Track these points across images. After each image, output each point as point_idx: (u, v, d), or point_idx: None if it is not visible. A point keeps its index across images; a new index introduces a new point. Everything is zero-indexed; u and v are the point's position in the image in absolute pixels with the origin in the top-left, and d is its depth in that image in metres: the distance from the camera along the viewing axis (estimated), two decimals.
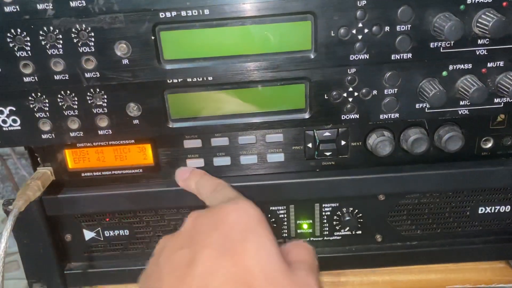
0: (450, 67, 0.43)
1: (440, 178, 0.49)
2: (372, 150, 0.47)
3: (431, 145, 0.48)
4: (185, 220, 0.36)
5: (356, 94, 0.44)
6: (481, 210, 0.52)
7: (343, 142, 0.48)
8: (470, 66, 0.43)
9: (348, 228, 0.52)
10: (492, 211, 0.52)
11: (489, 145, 0.48)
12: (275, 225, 0.52)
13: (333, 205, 0.52)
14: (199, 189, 0.44)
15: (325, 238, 0.53)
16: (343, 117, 0.45)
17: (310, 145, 0.48)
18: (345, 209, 0.52)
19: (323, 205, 0.52)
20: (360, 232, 0.53)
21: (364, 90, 0.44)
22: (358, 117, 0.45)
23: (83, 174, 0.49)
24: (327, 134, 0.48)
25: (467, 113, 0.45)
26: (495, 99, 0.44)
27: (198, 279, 0.30)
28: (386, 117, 0.45)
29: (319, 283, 0.34)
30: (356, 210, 0.52)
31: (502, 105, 0.45)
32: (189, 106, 0.45)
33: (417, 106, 0.45)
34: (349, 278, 0.53)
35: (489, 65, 0.43)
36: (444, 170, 0.49)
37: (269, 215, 0.52)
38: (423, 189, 0.49)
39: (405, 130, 0.47)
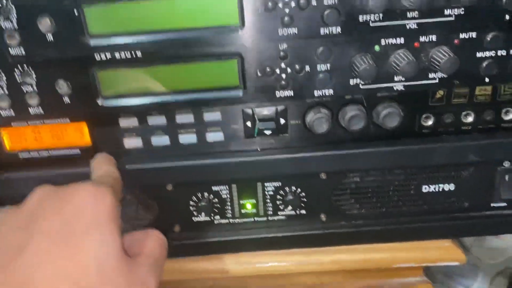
0: (382, 42, 0.42)
1: (381, 156, 0.48)
2: (310, 128, 0.47)
3: (371, 123, 0.48)
4: (30, 194, 0.33)
5: (289, 70, 0.44)
6: (425, 188, 0.51)
7: (282, 121, 0.48)
8: (402, 40, 0.42)
9: (291, 207, 0.52)
10: (436, 189, 0.52)
11: (430, 122, 0.48)
12: (218, 205, 0.52)
13: (275, 184, 0.51)
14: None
15: (270, 218, 0.53)
16: (278, 94, 0.45)
17: (249, 123, 0.48)
18: (287, 188, 0.51)
19: (266, 185, 0.51)
20: (304, 211, 0.52)
21: (296, 66, 0.43)
22: (292, 94, 0.45)
23: (20, 156, 0.49)
24: (265, 112, 0.47)
25: (402, 89, 0.45)
26: (430, 74, 0.44)
27: (23, 268, 0.27)
28: (321, 93, 0.45)
29: (160, 276, 0.33)
30: (299, 189, 0.51)
31: (437, 81, 0.44)
32: (121, 84, 0.44)
33: (351, 82, 0.44)
34: (295, 258, 0.53)
35: (421, 39, 0.42)
36: (384, 148, 0.48)
37: (212, 195, 0.51)
38: (364, 167, 0.49)
39: (343, 108, 0.47)
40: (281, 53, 0.43)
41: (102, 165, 0.42)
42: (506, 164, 0.50)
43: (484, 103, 0.47)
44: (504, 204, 0.52)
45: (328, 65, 0.43)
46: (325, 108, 0.47)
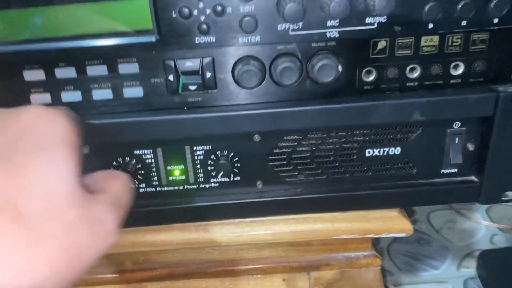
0: None
1: (318, 115, 0.44)
2: (238, 82, 0.42)
3: (307, 78, 0.43)
4: None
5: (208, 11, 0.39)
6: (369, 152, 0.47)
7: (208, 74, 0.43)
8: None
9: (223, 173, 0.47)
10: (381, 153, 0.47)
11: (372, 77, 0.43)
12: (142, 171, 0.47)
13: (205, 147, 0.47)
14: None
15: (201, 185, 0.48)
16: (197, 40, 0.40)
17: (171, 77, 0.42)
18: (219, 152, 0.47)
19: (195, 148, 0.46)
20: (238, 178, 0.48)
21: (217, 7, 0.38)
22: (214, 40, 0.40)
23: None
24: (189, 64, 0.42)
25: (337, 35, 0.40)
26: (368, 19, 0.39)
27: None
28: (246, 40, 0.40)
29: (121, 221, 0.29)
30: (232, 153, 0.47)
31: (375, 26, 0.40)
32: (16, 26, 0.39)
33: (279, 27, 0.39)
34: (229, 229, 0.49)
35: None
36: (322, 106, 0.44)
37: (134, 160, 0.46)
38: (300, 128, 0.45)
39: (275, 60, 0.42)
40: None
41: None
42: (456, 125, 0.46)
43: (431, 56, 0.42)
44: (454, 170, 0.48)
45: (253, 6, 0.38)
46: (255, 60, 0.42)
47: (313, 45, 0.41)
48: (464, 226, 1.05)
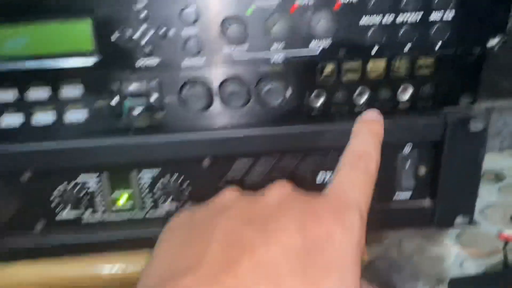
0: (257, 4, 0.38)
1: (267, 139, 0.43)
2: (186, 104, 0.41)
3: (256, 102, 0.43)
4: (271, 188, 0.31)
5: (151, 32, 0.38)
6: (320, 177, 0.47)
7: (154, 97, 0.42)
8: (275, 2, 0.38)
9: (173, 200, 0.46)
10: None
11: (320, 101, 0.43)
12: (85, 199, 0.45)
13: (154, 172, 0.45)
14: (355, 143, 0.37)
15: (148, 214, 0.46)
16: (141, 62, 0.39)
17: (115, 100, 0.41)
18: (168, 177, 0.45)
19: (142, 173, 0.45)
20: (190, 203, 0.46)
21: (160, 29, 0.38)
22: (158, 62, 0.39)
23: None
24: (134, 86, 0.42)
25: (282, 59, 0.40)
26: (312, 43, 0.40)
27: (251, 270, 0.24)
28: (192, 63, 0.39)
29: None
30: (182, 179, 0.45)
31: (319, 50, 0.40)
32: None
33: (224, 49, 0.39)
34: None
35: (298, 2, 0.38)
36: (271, 130, 0.43)
37: (77, 187, 0.44)
38: (250, 151, 0.44)
39: (223, 83, 0.42)
40: (140, 12, 0.37)
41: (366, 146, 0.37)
42: (407, 149, 0.46)
43: (378, 80, 0.42)
44: (407, 194, 0.47)
45: (197, 28, 0.38)
46: (202, 83, 0.41)
47: (260, 68, 0.41)
48: (435, 252, 1.04)
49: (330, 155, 0.45)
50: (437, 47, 0.40)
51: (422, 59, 0.42)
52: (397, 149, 0.45)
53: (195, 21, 0.37)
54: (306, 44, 0.39)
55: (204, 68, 0.40)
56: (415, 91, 0.43)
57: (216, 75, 0.41)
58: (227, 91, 0.40)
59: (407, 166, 0.46)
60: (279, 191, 0.30)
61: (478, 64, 0.42)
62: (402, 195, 0.47)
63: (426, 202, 0.47)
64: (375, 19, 0.38)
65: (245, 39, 0.37)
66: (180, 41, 0.38)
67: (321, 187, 0.45)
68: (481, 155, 0.45)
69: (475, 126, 0.44)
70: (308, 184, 0.46)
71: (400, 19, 0.39)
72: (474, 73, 0.43)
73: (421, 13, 0.39)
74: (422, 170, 0.46)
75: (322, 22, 0.37)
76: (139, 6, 0.37)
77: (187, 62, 0.39)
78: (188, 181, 0.45)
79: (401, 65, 0.42)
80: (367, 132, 0.38)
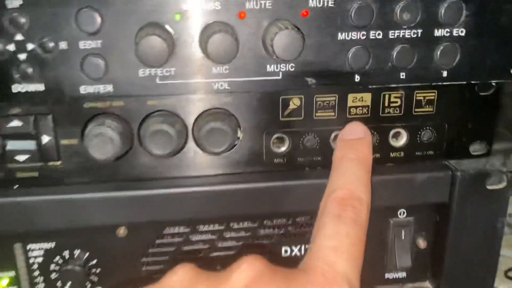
0: (184, 7, 0.26)
1: (209, 199, 0.31)
2: (90, 151, 0.29)
3: (195, 147, 0.31)
4: (233, 270, 0.23)
5: (31, 46, 0.26)
6: (285, 251, 0.34)
7: (46, 139, 0.29)
8: (218, 7, 0.27)
9: (72, 283, 0.32)
10: (302, 252, 0.34)
11: (284, 147, 0.32)
12: None
13: (46, 245, 0.32)
14: (338, 181, 0.28)
15: None
16: (18, 88, 0.27)
17: None
18: (67, 252, 0.32)
19: (29, 247, 0.32)
20: None
21: (45, 41, 0.26)
22: (43, 89, 0.27)
23: None
24: (16, 123, 0.29)
25: (227, 87, 0.28)
26: (268, 66, 0.28)
27: None
28: (95, 90, 0.27)
29: None
30: (87, 254, 0.32)
31: (280, 77, 0.28)
32: None
33: (141, 73, 0.27)
34: None
35: (248, 5, 0.27)
36: (215, 186, 0.31)
37: None
38: (184, 216, 0.31)
39: (145, 120, 0.30)
40: (13, 18, 0.25)
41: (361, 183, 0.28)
42: (401, 214, 0.34)
43: (363, 121, 0.31)
44: (402, 274, 0.35)
45: (99, 41, 0.26)
46: (115, 119, 0.29)
47: (197, 100, 0.30)
48: None
49: (299, 220, 0.33)
50: (442, 76, 0.30)
51: (421, 92, 0.31)
52: (389, 214, 0.34)
53: (97, 31, 0.26)
54: (262, 68, 0.27)
55: (114, 99, 0.28)
56: (412, 136, 0.32)
57: (136, 108, 0.29)
58: (149, 132, 0.28)
59: (401, 238, 0.34)
60: (248, 270, 0.23)
61: (496, 101, 0.32)
62: (396, 275, 0.35)
63: (427, 285, 0.35)
64: (357, 34, 0.27)
65: (165, 59, 0.25)
66: (76, 58, 0.26)
67: (288, 261, 0.34)
68: (501, 221, 0.34)
69: (493, 182, 0.32)
70: (271, 258, 0.33)
71: (392, 35, 0.28)
72: (490, 113, 0.32)
73: (422, 28, 0.28)
74: (422, 243, 0.34)
75: (283, 35, 0.25)
76: (13, 5, 0.25)
77: (87, 89, 0.27)
78: (97, 259, 0.32)
79: (393, 100, 0.31)
80: (352, 161, 0.28)
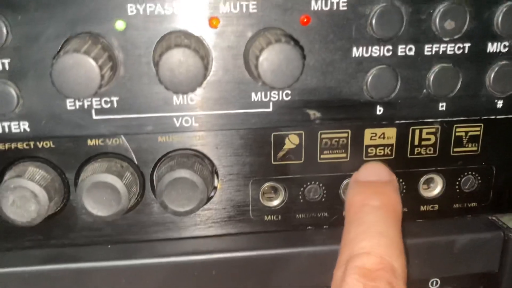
0: (130, 10, 0.19)
1: (175, 270, 0.23)
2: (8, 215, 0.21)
3: (156, 203, 0.23)
4: None
5: None
6: None
7: None
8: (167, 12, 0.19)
9: None
10: None
11: (278, 200, 0.23)
12: None
13: None
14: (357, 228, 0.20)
15: None
16: None
17: None
18: None
19: None
20: None
21: None
22: None
23: None
24: None
25: (193, 123, 0.20)
26: (254, 94, 0.20)
27: None
28: (7, 130, 0.19)
29: None
30: None
31: (270, 109, 0.20)
32: None
33: (69, 105, 0.19)
34: None
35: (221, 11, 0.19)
36: (184, 256, 0.23)
37: None
38: None
39: (86, 164, 0.22)
40: None
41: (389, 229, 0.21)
42: (434, 285, 0.26)
43: (385, 163, 0.23)
44: None
45: (6, 61, 0.18)
46: (41, 167, 0.21)
47: (159, 139, 0.22)
48: None
49: None
50: (495, 108, 0.22)
51: (462, 126, 0.23)
52: (419, 284, 0.26)
53: (3, 46, 0.18)
54: (244, 97, 0.20)
55: (36, 142, 0.20)
56: (449, 184, 0.24)
57: (67, 151, 0.21)
58: (87, 185, 0.20)
59: None
60: None
61: None
62: None
63: None
64: (380, 49, 0.20)
65: (113, 85, 0.17)
66: None
67: None
68: None
69: None
70: None
71: (429, 50, 0.20)
72: None
73: (470, 42, 0.20)
74: None
75: (273, 52, 0.18)
76: None
77: None
78: None
79: (425, 137, 0.23)
80: (378, 211, 0.20)
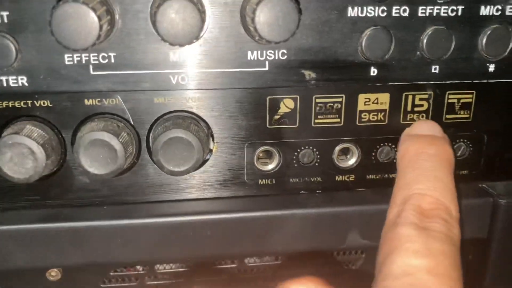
0: None
1: (167, 232, 0.23)
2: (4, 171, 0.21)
3: (154, 163, 0.23)
4: None
5: None
6: None
7: None
8: None
9: None
10: None
11: (273, 164, 0.24)
12: None
13: None
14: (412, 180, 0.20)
15: None
16: None
17: None
18: None
19: None
20: None
21: None
22: None
23: None
24: None
25: (189, 81, 0.20)
26: (250, 53, 0.20)
27: None
28: (5, 84, 0.19)
29: None
30: None
31: (266, 68, 0.21)
32: None
33: (67, 60, 0.20)
34: None
35: None
36: (177, 217, 0.23)
37: None
38: (134, 257, 0.23)
39: (83, 124, 0.22)
40: None
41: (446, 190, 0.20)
42: None
43: (377, 129, 0.24)
44: None
45: (5, 13, 0.19)
46: (38, 125, 0.21)
47: (151, 100, 0.22)
48: None
49: (293, 260, 0.26)
50: (487, 71, 0.22)
51: (455, 93, 0.24)
52: None
53: None
54: (241, 55, 0.20)
55: (36, 97, 0.20)
56: None
57: (64, 111, 0.21)
58: (84, 143, 0.20)
59: None
60: None
61: None
62: None
63: None
64: (375, 9, 0.20)
65: (110, 40, 0.17)
66: None
67: None
68: None
69: None
70: None
71: (423, 12, 0.20)
72: None
73: (463, 4, 0.20)
74: None
75: (270, 4, 0.18)
76: None
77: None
78: None
79: (418, 103, 0.24)
80: (434, 158, 0.21)
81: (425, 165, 0.20)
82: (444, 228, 0.18)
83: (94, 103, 0.21)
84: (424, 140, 0.21)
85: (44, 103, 0.21)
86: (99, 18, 0.17)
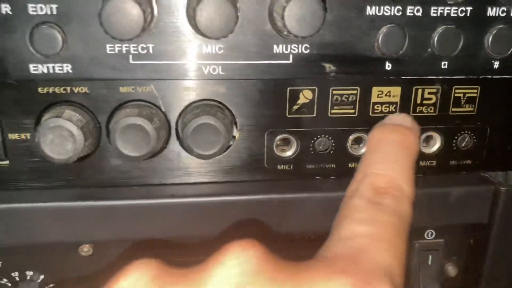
0: None
1: (197, 211, 0.25)
2: (47, 150, 0.23)
3: (182, 147, 0.25)
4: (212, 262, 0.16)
5: None
6: None
7: None
8: None
9: None
10: None
11: (291, 151, 0.26)
12: None
13: None
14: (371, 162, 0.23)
15: None
16: None
17: None
18: (17, 273, 0.26)
19: None
20: None
21: None
22: None
23: None
24: None
25: (220, 72, 0.22)
26: (275, 47, 0.22)
27: None
28: (52, 71, 0.21)
29: None
30: (42, 277, 0.26)
31: (290, 61, 0.22)
32: None
33: (108, 49, 0.21)
34: None
35: None
36: (204, 198, 0.25)
37: None
38: (163, 233, 0.25)
39: (118, 110, 0.24)
40: None
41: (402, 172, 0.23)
42: (429, 235, 0.28)
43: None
44: None
45: (54, 6, 0.20)
46: (77, 110, 0.23)
47: (182, 88, 0.23)
48: None
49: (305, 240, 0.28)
50: (492, 68, 0.24)
51: (461, 87, 0.25)
52: (414, 235, 0.28)
53: None
54: (267, 48, 0.22)
55: (76, 84, 0.22)
56: (447, 141, 0.26)
57: (100, 97, 0.23)
58: (120, 127, 0.22)
59: (428, 264, 0.28)
60: (238, 265, 0.16)
61: None
62: None
63: None
64: (391, 9, 0.22)
65: (150, 32, 0.19)
66: (23, 28, 0.20)
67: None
68: None
69: None
70: None
71: (434, 12, 0.22)
72: None
73: (471, 6, 0.22)
74: (452, 270, 0.28)
75: (299, 2, 0.19)
76: None
77: (40, 69, 0.21)
78: (54, 283, 0.26)
79: (427, 96, 0.25)
80: (395, 144, 0.23)
81: (385, 149, 0.22)
82: (393, 203, 0.20)
83: (128, 91, 0.23)
84: (388, 128, 0.23)
85: (82, 89, 0.23)
86: (144, 11, 0.18)
